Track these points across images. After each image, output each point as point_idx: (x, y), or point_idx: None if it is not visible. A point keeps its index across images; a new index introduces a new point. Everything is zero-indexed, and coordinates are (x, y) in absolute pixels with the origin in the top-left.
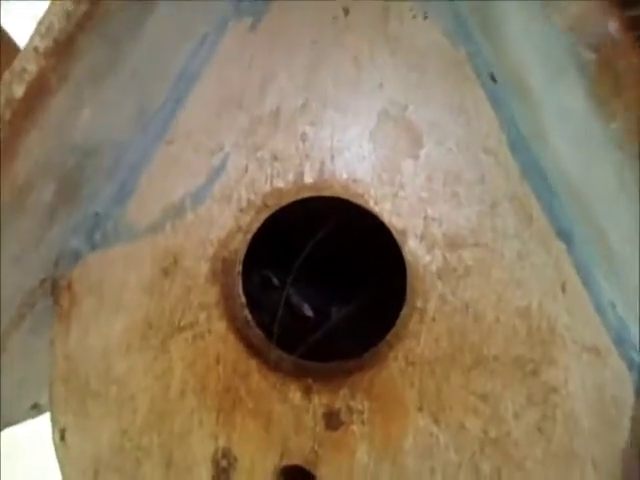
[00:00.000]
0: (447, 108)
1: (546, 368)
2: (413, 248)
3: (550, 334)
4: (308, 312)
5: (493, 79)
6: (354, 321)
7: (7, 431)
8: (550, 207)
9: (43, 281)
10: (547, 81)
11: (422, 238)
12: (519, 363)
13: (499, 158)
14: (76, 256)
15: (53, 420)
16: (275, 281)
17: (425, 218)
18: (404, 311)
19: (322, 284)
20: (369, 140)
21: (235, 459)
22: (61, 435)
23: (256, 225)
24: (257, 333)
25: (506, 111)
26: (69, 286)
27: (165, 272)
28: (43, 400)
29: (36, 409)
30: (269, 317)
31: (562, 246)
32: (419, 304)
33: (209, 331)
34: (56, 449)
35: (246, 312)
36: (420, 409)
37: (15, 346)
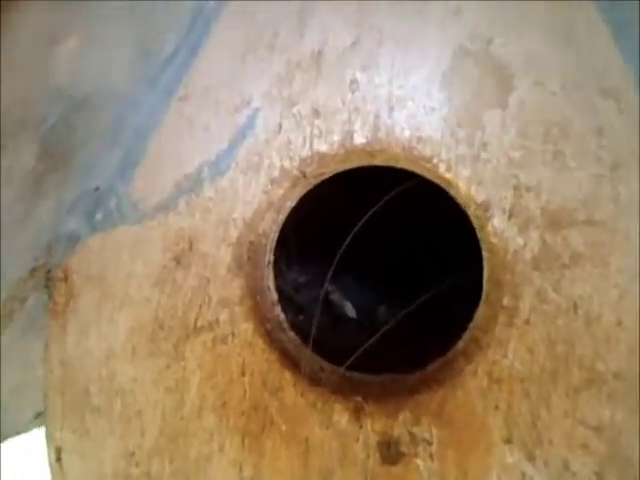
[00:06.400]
0: (548, 37)
1: None
2: (500, 227)
3: None
4: (351, 312)
5: None
6: (411, 323)
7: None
8: None
9: (34, 270)
10: None
11: (512, 214)
12: None
13: (623, 103)
14: (74, 240)
15: (48, 437)
16: (302, 279)
17: (517, 187)
18: (483, 311)
19: (366, 278)
20: (441, 86)
21: None
22: (57, 455)
23: (290, 204)
24: (292, 337)
25: (633, 37)
26: (65, 276)
27: (178, 260)
28: None
29: (40, 418)
30: (305, 319)
31: None
32: (507, 302)
33: (232, 334)
34: (51, 471)
35: (278, 311)
36: (508, 441)
37: (6, 348)
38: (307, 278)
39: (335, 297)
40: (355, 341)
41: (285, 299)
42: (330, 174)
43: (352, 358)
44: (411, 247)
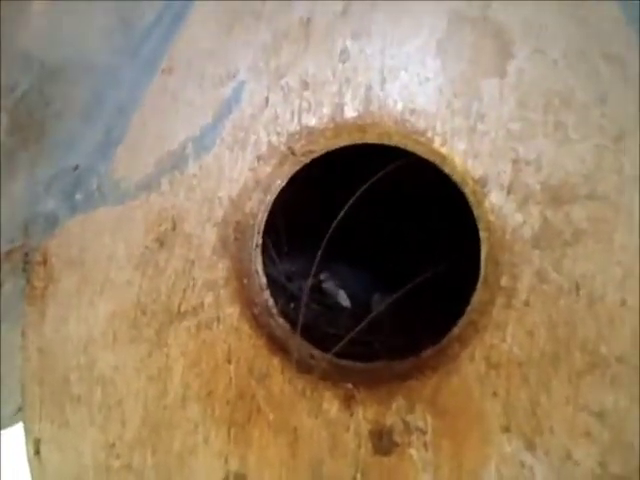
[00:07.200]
0: (549, 2)
1: None
2: (497, 204)
3: None
4: (344, 301)
5: None
6: (405, 309)
7: None
8: None
9: (10, 253)
10: None
11: (511, 190)
12: None
13: (628, 69)
14: (52, 221)
15: (26, 429)
16: (294, 268)
17: (515, 161)
18: (481, 293)
19: (360, 266)
20: (436, 54)
21: None
22: (35, 447)
23: (280, 182)
24: (281, 323)
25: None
26: (44, 260)
27: (161, 242)
28: None
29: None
30: (296, 307)
31: None
32: (505, 283)
33: (217, 319)
34: (30, 464)
35: (267, 295)
36: (507, 429)
37: None
38: (299, 266)
39: (328, 285)
40: (349, 330)
41: (277, 287)
42: (320, 152)
43: (340, 344)
44: (406, 228)
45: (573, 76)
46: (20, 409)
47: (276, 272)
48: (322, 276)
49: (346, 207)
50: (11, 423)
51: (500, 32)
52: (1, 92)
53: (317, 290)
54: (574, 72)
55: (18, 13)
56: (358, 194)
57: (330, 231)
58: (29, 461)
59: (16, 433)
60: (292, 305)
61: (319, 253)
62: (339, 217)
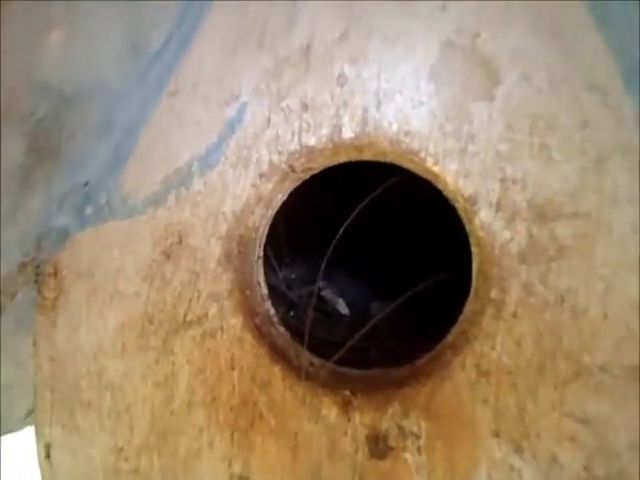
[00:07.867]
0: (534, 33)
1: None
2: (487, 221)
3: None
4: (343, 309)
5: None
6: (400, 318)
7: None
8: None
9: (23, 265)
10: None
11: (499, 207)
12: (636, 375)
13: (608, 97)
14: (63, 235)
15: (37, 433)
16: (293, 276)
17: (503, 180)
18: (472, 304)
19: (359, 274)
20: (428, 79)
21: None
22: (46, 452)
23: (281, 197)
24: (282, 332)
25: (621, 31)
26: (55, 272)
27: (168, 255)
28: None
29: (32, 416)
30: (296, 315)
31: None
32: (494, 295)
33: (221, 328)
34: (41, 468)
35: (268, 305)
36: (496, 434)
37: None
38: (299, 274)
39: (327, 293)
40: (347, 337)
41: (278, 296)
42: (319, 169)
43: (340, 352)
44: (402, 243)
45: (557, 102)
46: (30, 413)
47: (277, 281)
48: (320, 284)
49: (348, 220)
50: (20, 427)
51: (488, 60)
52: (20, 117)
53: (316, 298)
54: (558, 98)
55: (37, 44)
56: (359, 208)
57: (333, 244)
58: (40, 464)
59: (19, 438)
60: (292, 313)
61: (322, 266)
62: (341, 230)
